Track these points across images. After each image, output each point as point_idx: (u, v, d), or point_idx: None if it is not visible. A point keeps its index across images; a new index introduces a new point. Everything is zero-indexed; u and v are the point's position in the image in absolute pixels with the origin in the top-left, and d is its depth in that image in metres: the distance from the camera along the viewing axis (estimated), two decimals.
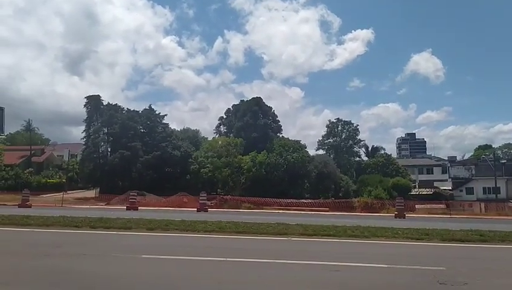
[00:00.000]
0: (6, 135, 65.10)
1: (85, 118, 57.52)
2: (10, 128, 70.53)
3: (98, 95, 58.78)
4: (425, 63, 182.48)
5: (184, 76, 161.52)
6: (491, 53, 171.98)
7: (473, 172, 63.84)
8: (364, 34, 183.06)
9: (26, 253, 8.47)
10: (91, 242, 10.25)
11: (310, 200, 40.46)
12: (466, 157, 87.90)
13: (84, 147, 57.68)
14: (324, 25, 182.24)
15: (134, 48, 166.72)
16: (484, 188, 60.63)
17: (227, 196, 39.96)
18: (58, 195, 36.50)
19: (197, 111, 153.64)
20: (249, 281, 6.58)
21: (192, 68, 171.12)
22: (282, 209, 33.20)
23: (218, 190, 47.90)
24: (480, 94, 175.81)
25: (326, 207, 36.06)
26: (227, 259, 8.09)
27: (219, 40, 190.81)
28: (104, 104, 58.34)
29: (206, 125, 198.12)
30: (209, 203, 29.92)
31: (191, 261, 7.94)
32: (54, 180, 56.42)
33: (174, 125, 69.68)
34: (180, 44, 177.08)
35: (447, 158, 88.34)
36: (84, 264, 7.53)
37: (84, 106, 57.57)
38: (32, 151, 62.68)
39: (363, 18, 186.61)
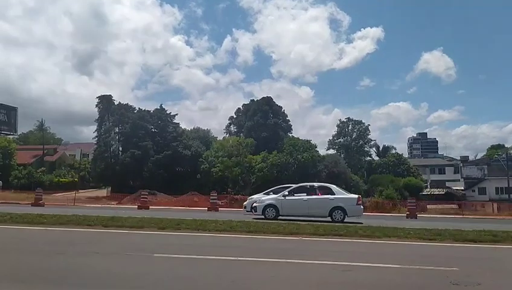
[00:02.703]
0: (19, 135, 66.06)
1: (96, 117, 58.11)
2: (21, 128, 71.42)
3: (110, 95, 59.42)
4: (436, 61, 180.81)
5: (193, 75, 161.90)
6: (504, 51, 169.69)
7: (486, 172, 63.21)
8: (374, 32, 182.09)
9: (40, 251, 8.59)
10: (104, 241, 10.35)
11: None
12: (478, 157, 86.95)
13: (95, 146, 58.31)
14: (333, 23, 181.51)
15: (143, 47, 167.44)
16: (497, 188, 60.08)
17: (238, 195, 40.05)
18: (71, 194, 36.90)
19: (206, 110, 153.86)
20: (260, 281, 6.60)
21: (201, 67, 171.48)
22: None
23: (229, 189, 48.07)
24: (492, 93, 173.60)
25: None
26: (239, 258, 8.11)
27: (228, 38, 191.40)
28: (115, 104, 58.84)
29: (216, 125, 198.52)
30: (219, 202, 30.05)
31: (203, 260, 7.98)
32: (66, 180, 57.07)
33: (184, 125, 69.98)
34: (189, 43, 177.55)
35: (459, 158, 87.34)
36: (98, 262, 7.61)
37: (96, 105, 58.23)
38: (45, 151, 63.39)
39: (372, 16, 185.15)
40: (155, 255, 8.30)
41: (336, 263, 7.93)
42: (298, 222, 14.68)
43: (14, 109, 53.15)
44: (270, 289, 6.26)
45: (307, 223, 14.56)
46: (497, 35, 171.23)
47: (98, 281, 6.22)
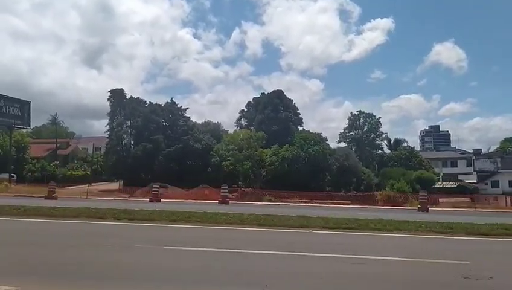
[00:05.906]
0: (32, 129, 66.83)
1: (108, 111, 58.43)
2: (33, 122, 71.94)
3: (122, 89, 59.64)
4: (448, 53, 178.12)
5: (201, 68, 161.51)
6: None
7: (499, 165, 62.42)
8: (384, 23, 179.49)
9: (52, 244, 8.71)
10: (115, 233, 10.45)
11: (331, 193, 40.31)
12: (491, 150, 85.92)
13: (107, 140, 58.66)
14: (343, 14, 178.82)
15: (152, 40, 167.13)
16: (510, 181, 59.38)
17: (248, 189, 40.16)
18: (83, 187, 37.28)
19: (215, 104, 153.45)
20: (269, 273, 6.62)
21: (210, 60, 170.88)
22: (303, 202, 33.14)
23: (239, 182, 48.12)
24: (505, 85, 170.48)
25: (347, 200, 35.82)
26: (248, 251, 8.14)
27: (236, 31, 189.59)
28: (127, 97, 59.14)
29: (225, 118, 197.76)
30: (230, 195, 30.10)
31: (213, 252, 8.03)
32: (78, 173, 57.57)
33: (194, 118, 69.93)
34: (197, 36, 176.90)
35: (471, 151, 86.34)
36: (109, 254, 7.70)
37: (108, 99, 58.47)
38: (58, 144, 63.99)
39: (383, 6, 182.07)
40: (165, 247, 8.37)
41: (346, 256, 7.92)
42: (308, 215, 14.65)
43: (27, 103, 53.80)
44: (277, 281, 6.28)
45: (317, 216, 14.51)
46: (510, 26, 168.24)
47: (108, 273, 6.29)
